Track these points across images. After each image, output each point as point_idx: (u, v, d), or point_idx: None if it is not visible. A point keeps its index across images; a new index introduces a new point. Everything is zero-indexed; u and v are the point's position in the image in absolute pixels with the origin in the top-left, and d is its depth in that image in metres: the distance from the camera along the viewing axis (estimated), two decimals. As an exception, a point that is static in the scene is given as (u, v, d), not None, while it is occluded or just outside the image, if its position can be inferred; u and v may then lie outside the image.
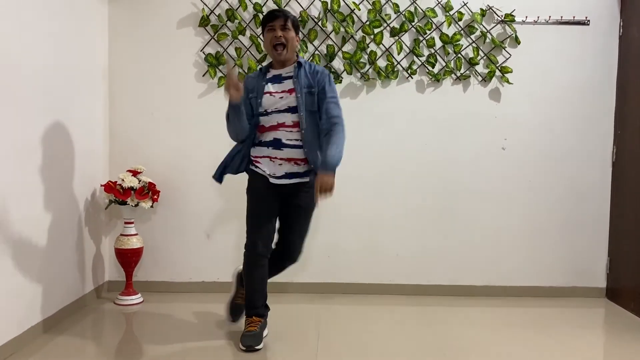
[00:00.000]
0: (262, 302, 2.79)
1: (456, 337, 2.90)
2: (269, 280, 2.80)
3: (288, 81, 2.66)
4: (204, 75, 3.58)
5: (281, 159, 2.65)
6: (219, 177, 2.80)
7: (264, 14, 3.48)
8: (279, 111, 2.64)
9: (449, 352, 2.71)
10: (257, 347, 2.64)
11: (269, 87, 2.66)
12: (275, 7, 3.51)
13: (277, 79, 2.68)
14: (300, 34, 2.90)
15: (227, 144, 3.57)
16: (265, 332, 2.77)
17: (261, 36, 3.50)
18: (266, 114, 2.66)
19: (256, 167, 2.71)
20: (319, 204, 2.62)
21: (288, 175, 2.66)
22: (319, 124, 2.64)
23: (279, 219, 2.78)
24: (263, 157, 2.68)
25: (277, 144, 2.65)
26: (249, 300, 2.77)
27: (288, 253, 2.81)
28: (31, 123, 2.69)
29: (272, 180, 2.66)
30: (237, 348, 2.68)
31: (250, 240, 2.73)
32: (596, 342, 3.00)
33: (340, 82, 3.55)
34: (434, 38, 3.55)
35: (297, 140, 2.64)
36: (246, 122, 2.65)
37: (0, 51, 2.43)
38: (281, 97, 2.64)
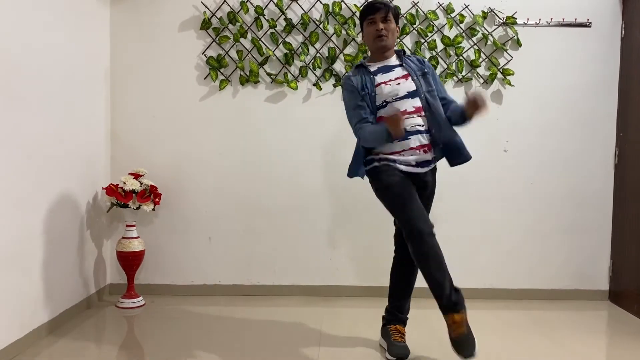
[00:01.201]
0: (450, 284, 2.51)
1: (458, 340, 2.89)
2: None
3: (398, 69, 2.58)
4: (205, 78, 3.58)
5: (410, 148, 2.51)
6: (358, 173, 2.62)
7: (265, 17, 3.50)
8: (399, 98, 2.52)
9: (450, 355, 2.70)
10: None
11: (381, 77, 2.56)
12: (277, 10, 3.51)
13: (386, 69, 2.58)
14: (399, 23, 2.79)
15: (229, 145, 3.60)
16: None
17: (263, 40, 3.53)
18: (385, 104, 2.53)
19: (383, 162, 2.55)
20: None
21: (420, 164, 2.55)
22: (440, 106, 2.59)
23: None
24: (392, 154, 2.53)
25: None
26: (441, 287, 2.46)
27: None
28: (32, 125, 2.69)
29: (404, 168, 2.51)
30: (237, 349, 2.67)
31: (410, 224, 2.44)
32: (599, 345, 2.98)
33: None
34: (435, 40, 3.55)
35: (421, 125, 2.53)
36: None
37: (1, 53, 2.44)
38: (398, 84, 2.54)
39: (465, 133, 3.58)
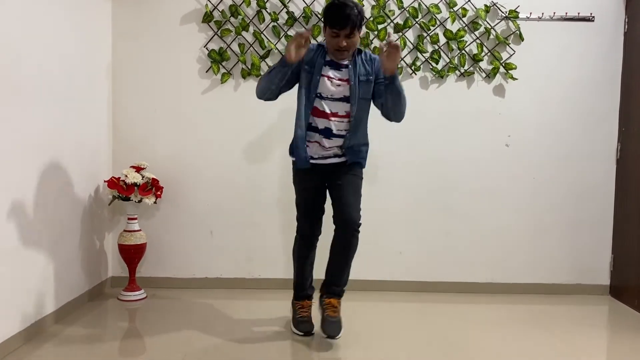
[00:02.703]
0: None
1: (459, 334, 2.90)
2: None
3: (345, 70, 2.65)
4: (207, 72, 3.57)
5: (329, 147, 2.69)
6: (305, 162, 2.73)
7: (267, 10, 3.49)
8: (334, 99, 2.65)
9: (452, 349, 2.71)
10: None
11: (327, 70, 2.64)
12: (279, 3, 3.50)
13: (336, 66, 2.65)
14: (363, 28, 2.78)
15: (230, 139, 3.59)
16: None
17: (265, 33, 3.52)
18: (320, 98, 2.65)
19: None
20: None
21: (330, 157, 2.73)
22: (367, 111, 2.72)
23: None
24: (313, 142, 2.70)
25: (327, 132, 2.67)
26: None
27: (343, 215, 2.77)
28: (35, 120, 2.69)
29: (312, 161, 2.71)
30: (238, 343, 2.68)
31: (299, 225, 2.87)
32: (600, 339, 2.99)
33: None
34: (437, 34, 3.54)
35: (345, 130, 2.69)
36: (281, 87, 2.66)
37: (3, 49, 2.43)
38: (338, 85, 2.64)
39: (467, 128, 3.60)
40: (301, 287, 2.90)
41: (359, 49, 2.69)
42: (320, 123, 2.67)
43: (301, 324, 2.81)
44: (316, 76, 2.63)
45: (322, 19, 2.63)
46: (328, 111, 2.65)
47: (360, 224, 2.73)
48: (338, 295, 2.81)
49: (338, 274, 2.79)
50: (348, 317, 2.86)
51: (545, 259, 3.65)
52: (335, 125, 2.67)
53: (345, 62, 2.66)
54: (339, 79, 2.65)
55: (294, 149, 2.73)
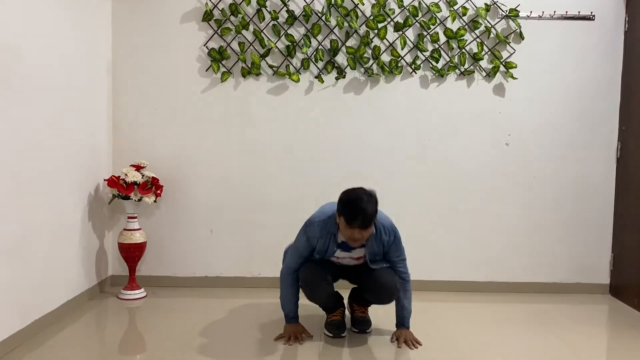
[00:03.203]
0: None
1: (459, 333, 2.90)
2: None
3: (359, 250, 2.66)
4: (207, 70, 3.57)
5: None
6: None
7: (267, 8, 3.49)
8: (344, 265, 2.78)
9: (452, 348, 2.71)
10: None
11: (340, 252, 2.68)
12: (279, 1, 3.50)
13: (347, 247, 2.64)
14: None
15: (230, 137, 3.59)
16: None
17: (265, 31, 3.51)
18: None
19: None
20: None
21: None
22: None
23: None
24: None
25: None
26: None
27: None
28: (34, 118, 2.69)
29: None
30: (238, 342, 2.68)
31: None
32: (600, 338, 2.99)
33: (344, 77, 3.55)
34: (438, 33, 3.54)
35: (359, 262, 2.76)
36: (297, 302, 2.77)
37: (3, 46, 2.43)
38: (349, 260, 2.73)
39: (467, 127, 3.60)
40: (331, 309, 2.88)
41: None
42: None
43: (332, 326, 2.81)
44: (328, 256, 2.70)
45: (338, 210, 2.54)
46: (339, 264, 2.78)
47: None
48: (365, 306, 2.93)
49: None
50: (348, 317, 2.85)
51: (545, 258, 3.65)
52: (349, 262, 2.76)
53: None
54: (350, 257, 2.71)
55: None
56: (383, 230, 2.63)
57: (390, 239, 2.65)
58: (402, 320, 2.74)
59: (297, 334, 2.71)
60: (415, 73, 3.58)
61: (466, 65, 3.57)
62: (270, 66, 3.56)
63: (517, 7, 3.51)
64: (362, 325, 2.85)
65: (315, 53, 3.54)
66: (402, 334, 2.71)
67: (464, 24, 3.54)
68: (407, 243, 3.62)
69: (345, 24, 3.50)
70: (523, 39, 3.55)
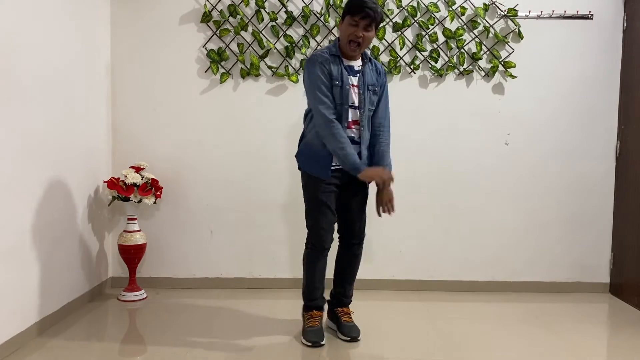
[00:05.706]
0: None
1: (459, 333, 2.90)
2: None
3: (358, 76, 2.58)
4: (206, 72, 3.57)
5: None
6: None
7: (266, 9, 3.49)
8: (351, 107, 2.58)
9: (452, 347, 2.71)
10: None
11: (352, 79, 2.57)
12: (277, 2, 3.50)
13: (352, 71, 2.58)
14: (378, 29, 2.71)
15: (230, 138, 3.59)
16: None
17: (263, 32, 3.52)
18: (340, 105, 2.57)
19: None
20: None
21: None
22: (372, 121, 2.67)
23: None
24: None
25: (351, 141, 2.59)
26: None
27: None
28: (34, 119, 2.69)
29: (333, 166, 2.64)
30: (238, 343, 2.68)
31: (315, 235, 2.71)
32: (599, 337, 2.99)
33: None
34: (436, 33, 3.54)
35: (356, 138, 2.64)
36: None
37: (2, 48, 2.43)
38: (354, 92, 2.58)
39: (466, 126, 3.60)
40: (312, 296, 2.77)
41: (367, 53, 2.68)
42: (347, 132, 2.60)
43: (310, 333, 2.68)
44: (346, 87, 2.56)
45: (344, 8, 2.54)
46: (349, 120, 2.60)
47: (365, 234, 2.80)
48: (347, 305, 2.88)
49: (349, 286, 2.86)
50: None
51: (545, 257, 3.66)
52: (354, 133, 2.62)
53: (358, 67, 2.61)
54: (351, 84, 2.59)
55: (313, 164, 2.64)
56: (377, 64, 2.69)
57: (383, 76, 2.68)
58: (383, 157, 2.67)
59: (385, 178, 2.60)
60: (414, 73, 3.58)
61: (465, 65, 3.57)
62: (269, 67, 3.56)
63: (515, 6, 3.51)
64: (353, 333, 2.72)
65: (314, 54, 3.54)
66: (383, 180, 2.61)
67: (463, 23, 3.54)
68: (407, 243, 3.66)
69: (344, 24, 3.50)
70: (522, 38, 3.55)
